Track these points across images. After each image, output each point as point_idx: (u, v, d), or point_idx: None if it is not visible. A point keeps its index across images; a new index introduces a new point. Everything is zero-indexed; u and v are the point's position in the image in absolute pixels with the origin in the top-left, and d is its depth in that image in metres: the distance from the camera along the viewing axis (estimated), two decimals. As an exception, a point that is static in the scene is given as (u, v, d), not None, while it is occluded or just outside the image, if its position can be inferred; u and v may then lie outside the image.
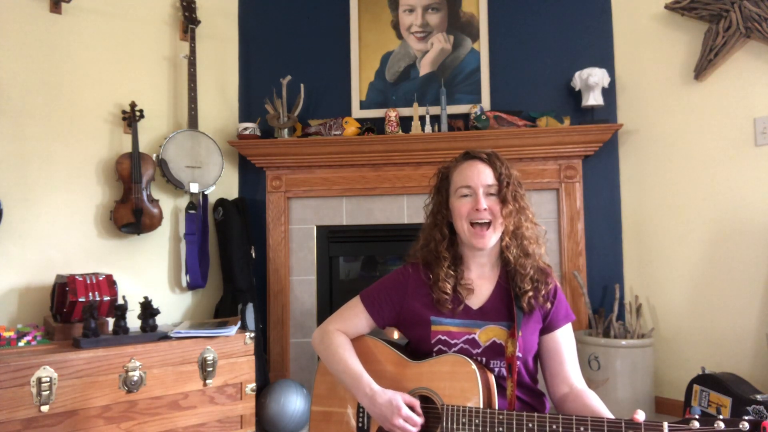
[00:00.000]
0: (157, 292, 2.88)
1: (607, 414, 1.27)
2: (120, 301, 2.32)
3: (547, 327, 1.44)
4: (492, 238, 1.41)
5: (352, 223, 3.18)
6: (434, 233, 1.48)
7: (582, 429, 1.17)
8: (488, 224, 1.40)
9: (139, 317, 2.30)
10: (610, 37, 3.10)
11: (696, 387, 2.45)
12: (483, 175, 1.42)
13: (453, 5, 3.23)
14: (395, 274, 1.53)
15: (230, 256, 3.05)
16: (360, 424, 1.43)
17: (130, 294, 2.54)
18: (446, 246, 1.46)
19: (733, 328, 2.68)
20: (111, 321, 2.30)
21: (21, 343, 2.17)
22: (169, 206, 2.96)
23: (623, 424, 1.14)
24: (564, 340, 1.44)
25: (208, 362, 2.28)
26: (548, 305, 1.43)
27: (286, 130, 3.12)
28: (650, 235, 2.97)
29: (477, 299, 1.44)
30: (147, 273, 2.86)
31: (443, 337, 1.41)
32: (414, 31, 3.26)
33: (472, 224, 1.40)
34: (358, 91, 3.27)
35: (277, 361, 3.14)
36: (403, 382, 1.40)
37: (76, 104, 2.66)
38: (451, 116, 3.10)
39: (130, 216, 2.65)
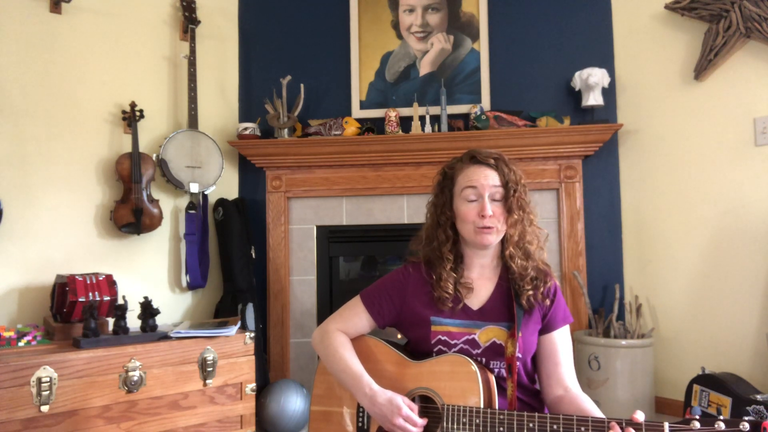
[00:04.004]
0: (157, 292, 2.88)
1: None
2: (120, 301, 2.32)
3: (545, 327, 1.44)
4: (496, 237, 1.41)
5: (352, 223, 3.18)
6: (438, 233, 1.47)
7: (583, 429, 1.17)
8: (492, 226, 1.40)
9: (139, 317, 2.30)
10: (610, 37, 3.11)
11: (696, 387, 2.45)
12: (489, 180, 1.41)
13: (453, 5, 3.23)
14: (395, 274, 1.52)
15: (230, 256, 3.05)
16: (360, 424, 1.43)
17: (130, 294, 2.54)
18: (449, 247, 1.45)
19: (733, 328, 2.68)
20: (111, 321, 2.30)
21: (21, 343, 2.17)
22: (169, 206, 2.96)
23: (623, 423, 1.14)
24: (560, 341, 1.44)
25: (208, 362, 2.28)
26: (547, 302, 1.43)
27: (286, 130, 3.12)
28: (650, 235, 2.97)
29: (477, 299, 1.44)
30: (147, 273, 2.86)
31: (443, 338, 1.41)
32: (414, 31, 3.26)
33: (477, 226, 1.40)
34: (358, 91, 3.27)
35: (277, 361, 3.14)
36: (404, 382, 1.40)
37: (76, 104, 2.66)
38: (451, 116, 3.10)
39: (130, 216, 2.65)
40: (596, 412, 1.29)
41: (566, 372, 1.42)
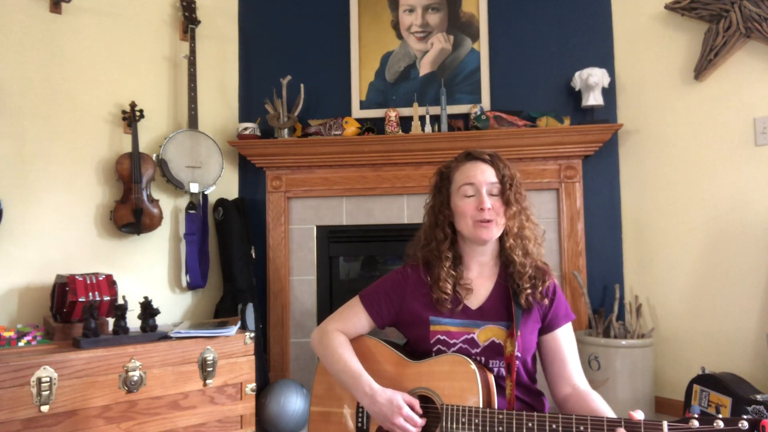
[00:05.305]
0: (157, 292, 2.88)
1: (612, 416, 1.26)
2: (120, 301, 2.32)
3: (547, 326, 1.44)
4: (496, 231, 1.41)
5: (352, 223, 3.18)
6: (436, 233, 1.48)
7: (582, 428, 1.17)
8: (491, 220, 1.41)
9: (139, 317, 2.30)
10: (610, 37, 3.10)
11: (696, 387, 2.45)
12: (486, 175, 1.42)
13: (453, 5, 3.23)
14: (394, 274, 1.53)
15: (230, 256, 3.05)
16: (359, 424, 1.43)
17: (130, 294, 2.54)
18: (448, 246, 1.46)
19: (733, 328, 2.68)
20: (111, 321, 2.30)
21: (21, 343, 2.17)
22: (169, 206, 2.96)
23: (623, 423, 1.14)
24: (565, 339, 1.44)
25: (208, 362, 2.28)
26: (546, 301, 1.43)
27: (286, 130, 3.12)
28: (650, 235, 2.97)
29: (476, 299, 1.45)
30: (147, 273, 2.86)
31: (442, 337, 1.41)
32: (414, 31, 3.26)
33: (476, 221, 1.41)
34: (358, 91, 3.27)
35: (277, 361, 3.14)
36: (403, 382, 1.40)
37: (76, 104, 2.66)
38: (451, 116, 3.10)
39: (130, 216, 2.65)
40: (607, 410, 1.28)
41: (573, 369, 1.42)
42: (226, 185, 3.22)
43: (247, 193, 3.32)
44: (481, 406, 1.28)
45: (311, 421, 1.51)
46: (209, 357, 2.28)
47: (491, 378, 1.35)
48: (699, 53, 2.79)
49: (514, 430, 1.23)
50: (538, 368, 1.47)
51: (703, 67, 2.76)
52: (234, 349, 2.37)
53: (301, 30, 3.36)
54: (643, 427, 1.11)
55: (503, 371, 1.38)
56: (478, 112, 3.02)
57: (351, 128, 3.09)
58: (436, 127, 3.07)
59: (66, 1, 2.61)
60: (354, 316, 1.50)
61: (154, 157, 2.81)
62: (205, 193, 3.01)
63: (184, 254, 2.95)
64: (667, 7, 2.88)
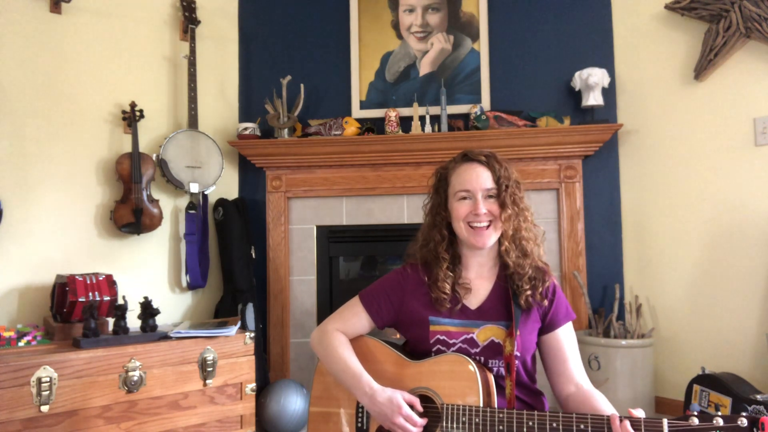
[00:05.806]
0: (157, 292, 2.88)
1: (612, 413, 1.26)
2: (120, 301, 2.32)
3: (548, 326, 1.44)
4: (492, 236, 1.41)
5: (352, 223, 3.18)
6: (433, 234, 1.48)
7: (582, 427, 1.17)
8: (488, 224, 1.40)
9: (139, 317, 2.30)
10: (610, 37, 3.10)
11: (696, 387, 2.45)
12: (482, 178, 1.41)
13: (453, 5, 3.23)
14: (394, 274, 1.53)
15: (230, 256, 3.05)
16: (359, 424, 1.43)
17: (130, 294, 2.54)
18: (445, 247, 1.46)
19: (733, 328, 2.67)
20: (111, 321, 2.30)
21: (21, 343, 2.17)
22: (169, 206, 2.96)
23: (621, 418, 1.14)
24: (566, 338, 1.44)
25: (208, 362, 2.28)
26: (545, 302, 1.43)
27: (286, 130, 3.12)
28: (650, 235, 2.97)
29: (475, 299, 1.45)
30: (147, 273, 2.86)
31: (442, 337, 1.41)
32: (414, 31, 3.26)
33: (471, 225, 1.40)
34: (358, 91, 3.27)
35: (277, 361, 3.14)
36: (403, 382, 1.40)
37: (76, 104, 2.66)
38: (451, 116, 3.10)
39: (130, 216, 2.65)
40: (610, 410, 1.28)
41: (575, 368, 1.42)
42: (226, 185, 3.22)
43: (247, 193, 3.32)
44: (481, 405, 1.28)
45: (311, 421, 1.51)
46: (209, 357, 2.28)
47: (491, 378, 1.35)
48: (699, 53, 2.79)
49: (515, 429, 1.23)
50: (540, 368, 1.47)
51: (703, 67, 2.76)
52: (234, 349, 2.37)
53: (301, 30, 3.36)
54: (644, 425, 1.11)
55: (503, 371, 1.38)
56: (478, 112, 3.02)
57: (351, 128, 3.09)
58: (436, 127, 3.07)
59: (66, 1, 2.61)
60: (354, 316, 1.50)
61: (154, 157, 2.81)
62: (205, 193, 3.01)
63: (184, 254, 2.95)
64: (667, 7, 2.88)
